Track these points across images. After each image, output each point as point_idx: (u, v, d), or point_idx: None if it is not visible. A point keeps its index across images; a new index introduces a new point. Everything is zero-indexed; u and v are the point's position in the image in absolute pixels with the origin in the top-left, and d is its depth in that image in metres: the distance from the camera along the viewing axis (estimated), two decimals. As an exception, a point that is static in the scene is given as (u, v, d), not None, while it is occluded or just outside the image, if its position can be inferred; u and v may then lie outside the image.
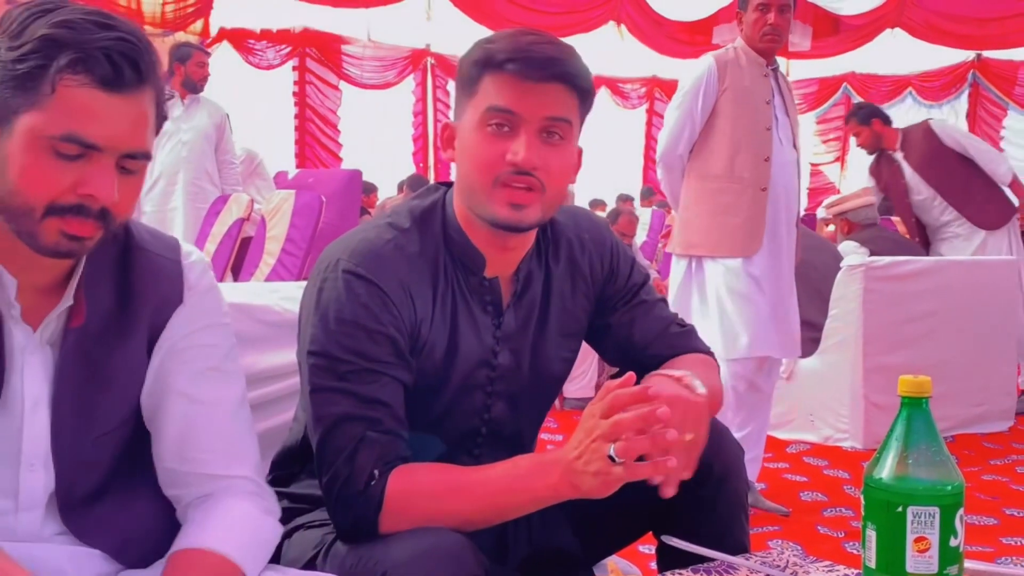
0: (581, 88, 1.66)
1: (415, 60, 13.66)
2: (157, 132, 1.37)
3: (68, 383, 1.26)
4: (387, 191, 11.29)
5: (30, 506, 1.40)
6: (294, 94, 12.36)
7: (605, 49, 12.25)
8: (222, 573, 1.38)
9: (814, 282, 5.15)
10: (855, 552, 3.43)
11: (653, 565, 2.82)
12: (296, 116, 12.35)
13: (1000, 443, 5.06)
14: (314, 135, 12.63)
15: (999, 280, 5.42)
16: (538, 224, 1.70)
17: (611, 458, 1.43)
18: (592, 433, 1.46)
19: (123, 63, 1.28)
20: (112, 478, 1.44)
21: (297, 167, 11.02)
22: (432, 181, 12.94)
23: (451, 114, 1.76)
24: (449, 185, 1.77)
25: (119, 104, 1.29)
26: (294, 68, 12.35)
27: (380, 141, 12.92)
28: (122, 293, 1.44)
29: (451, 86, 14.65)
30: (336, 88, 12.78)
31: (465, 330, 1.72)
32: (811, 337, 5.15)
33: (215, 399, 1.48)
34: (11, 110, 1.28)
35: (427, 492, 1.56)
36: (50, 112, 1.26)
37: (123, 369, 1.45)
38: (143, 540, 1.47)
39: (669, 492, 1.50)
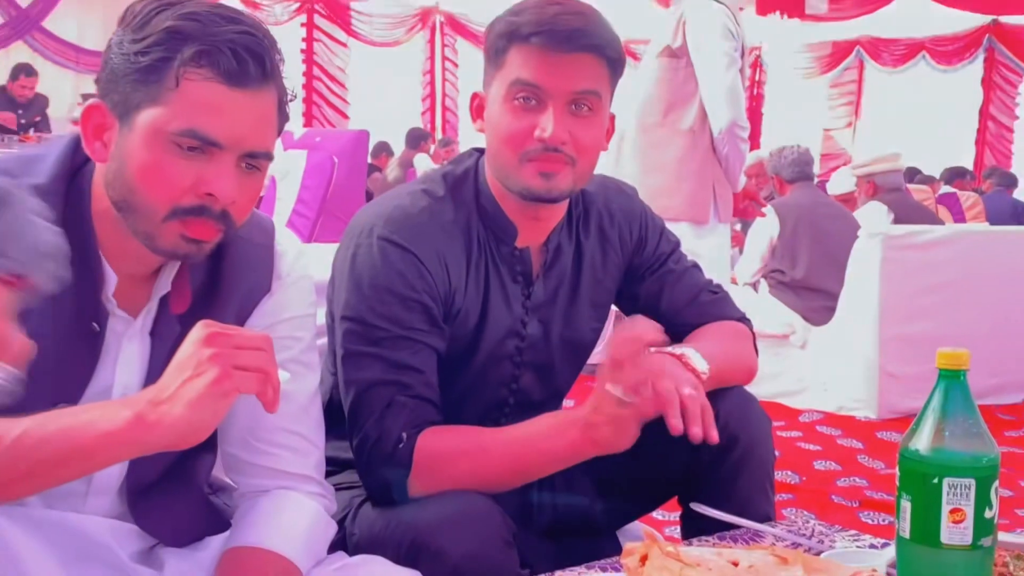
0: (610, 58, 1.66)
1: (424, 17, 13.60)
2: (279, 133, 1.35)
3: (160, 371, 1.24)
4: (396, 152, 11.27)
5: (101, 491, 1.41)
6: (302, 51, 12.32)
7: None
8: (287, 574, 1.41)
9: (830, 249, 5.15)
10: (870, 522, 3.47)
11: (668, 531, 2.88)
12: (304, 74, 12.33)
13: (1016, 414, 5.07)
14: (322, 93, 12.61)
15: (1016, 250, 5.40)
16: (569, 194, 1.71)
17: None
18: (602, 385, 1.51)
19: (248, 58, 1.26)
20: (176, 463, 1.45)
21: (304, 126, 11.01)
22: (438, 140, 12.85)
23: (458, 80, 1.77)
24: (482, 152, 1.78)
25: (242, 100, 1.27)
26: (302, 25, 12.31)
27: (389, 100, 12.89)
28: (213, 280, 1.43)
29: (460, 45, 14.63)
30: (344, 45, 12.74)
31: (496, 299, 1.74)
32: (826, 305, 5.16)
33: (288, 392, 1.43)
34: (132, 105, 1.26)
35: (454, 454, 1.60)
36: (172, 107, 1.25)
37: None
38: (190, 525, 1.49)
39: (713, 436, 1.54)
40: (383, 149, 11.11)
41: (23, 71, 9.15)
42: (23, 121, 8.60)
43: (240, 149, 1.29)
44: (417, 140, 11.12)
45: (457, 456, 1.60)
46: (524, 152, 1.63)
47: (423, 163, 10.44)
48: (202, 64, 1.25)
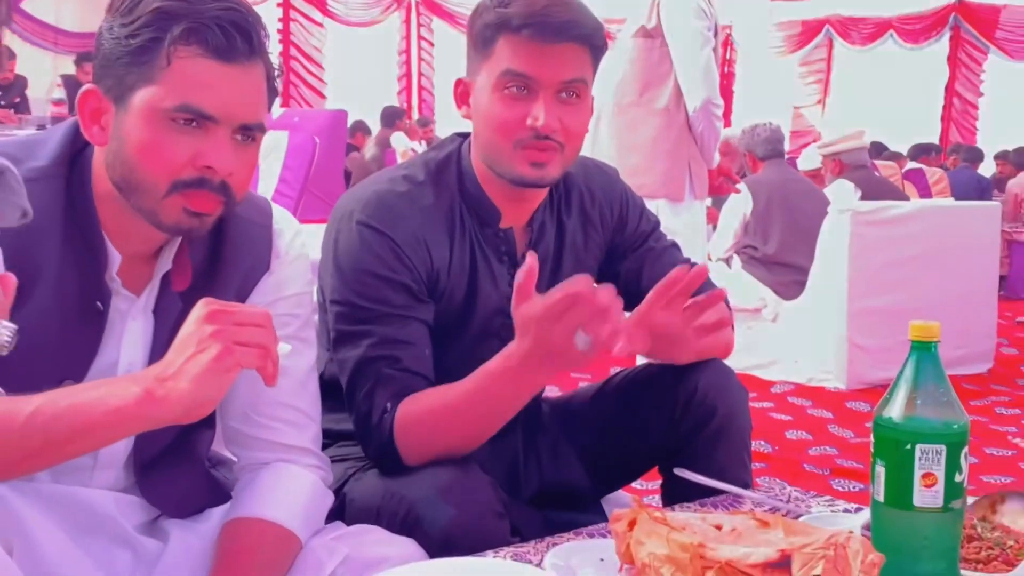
0: (595, 45, 1.70)
1: (399, -3, 13.55)
2: (269, 106, 1.37)
3: (163, 348, 1.27)
4: (373, 131, 11.22)
5: (108, 465, 1.43)
6: (278, 31, 12.25)
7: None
8: (287, 546, 1.44)
9: (801, 225, 5.20)
10: (841, 489, 3.53)
11: (648, 499, 2.92)
12: (280, 54, 12.24)
13: (979, 384, 5.16)
14: (299, 74, 12.55)
15: (981, 224, 5.48)
16: (559, 179, 1.74)
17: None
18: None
19: (235, 33, 1.29)
20: (178, 438, 1.48)
21: (281, 106, 10.93)
22: (415, 119, 12.74)
23: (434, 60, 1.78)
24: (465, 136, 1.80)
25: (231, 74, 1.30)
26: (279, 5, 12.24)
27: (365, 80, 12.84)
28: (213, 258, 1.45)
29: (436, 25, 14.57)
30: (320, 25, 12.68)
31: (483, 278, 1.77)
32: (797, 280, 5.21)
33: (287, 367, 1.45)
34: (127, 87, 1.29)
35: (426, 416, 1.62)
36: (165, 85, 1.27)
37: None
38: (193, 497, 1.51)
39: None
40: (360, 128, 11.06)
41: (2, 55, 9.04)
42: (3, 103, 8.54)
43: (233, 121, 1.31)
44: (392, 118, 11.07)
45: (429, 418, 1.62)
46: (517, 140, 1.66)
47: (400, 141, 10.42)
48: (191, 41, 1.27)
